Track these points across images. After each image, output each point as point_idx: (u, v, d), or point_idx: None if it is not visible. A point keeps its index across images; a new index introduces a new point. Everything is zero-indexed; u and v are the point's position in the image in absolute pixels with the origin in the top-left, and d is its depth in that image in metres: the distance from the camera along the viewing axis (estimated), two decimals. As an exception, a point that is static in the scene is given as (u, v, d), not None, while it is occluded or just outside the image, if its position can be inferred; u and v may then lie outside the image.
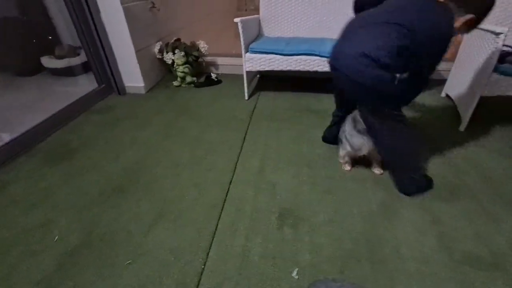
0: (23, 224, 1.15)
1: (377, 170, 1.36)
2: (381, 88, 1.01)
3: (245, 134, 1.73)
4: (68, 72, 2.51)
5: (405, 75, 0.97)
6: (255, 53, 1.97)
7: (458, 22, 1.00)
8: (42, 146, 1.66)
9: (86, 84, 2.35)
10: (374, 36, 1.00)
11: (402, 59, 0.96)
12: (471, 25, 1.03)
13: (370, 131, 1.17)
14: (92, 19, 2.01)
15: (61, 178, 1.39)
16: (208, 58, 2.68)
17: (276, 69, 1.99)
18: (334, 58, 1.12)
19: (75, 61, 2.52)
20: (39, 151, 1.62)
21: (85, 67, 2.48)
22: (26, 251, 1.04)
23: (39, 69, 2.51)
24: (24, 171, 1.45)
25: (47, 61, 2.49)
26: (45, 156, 1.57)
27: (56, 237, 1.09)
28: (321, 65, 1.90)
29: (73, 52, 2.52)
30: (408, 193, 1.22)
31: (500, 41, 1.40)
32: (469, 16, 0.99)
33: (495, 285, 0.89)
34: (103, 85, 2.30)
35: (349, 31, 1.11)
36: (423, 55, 0.99)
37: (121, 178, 1.38)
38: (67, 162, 1.51)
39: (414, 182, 1.21)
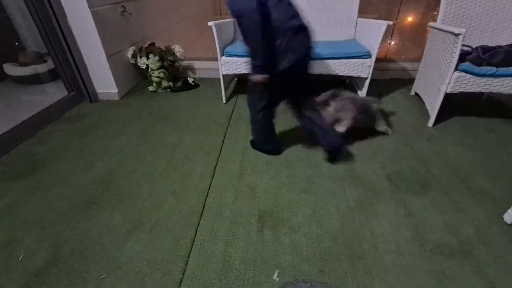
0: (-18, 245, 1.06)
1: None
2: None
3: (224, 138, 1.71)
4: (35, 79, 2.37)
5: None
6: (230, 57, 1.97)
7: None
8: (5, 159, 1.55)
9: (54, 92, 2.23)
10: None
11: None
12: None
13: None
14: (58, 24, 1.92)
15: (27, 193, 1.30)
16: (185, 62, 2.65)
17: (252, 72, 2.00)
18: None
19: (42, 68, 2.38)
20: (1, 164, 1.50)
21: (53, 74, 2.34)
22: (-14, 274, 0.96)
23: (1, 77, 2.35)
24: (-16, 187, 1.34)
25: (11, 69, 2.33)
26: (8, 169, 1.47)
27: (22, 256, 1.01)
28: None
29: (39, 58, 2.39)
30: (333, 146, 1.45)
31: (459, 41, 1.50)
32: None
33: (463, 271, 0.94)
34: (73, 93, 2.19)
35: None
36: None
37: (92, 190, 1.32)
38: (33, 176, 1.42)
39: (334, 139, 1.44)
